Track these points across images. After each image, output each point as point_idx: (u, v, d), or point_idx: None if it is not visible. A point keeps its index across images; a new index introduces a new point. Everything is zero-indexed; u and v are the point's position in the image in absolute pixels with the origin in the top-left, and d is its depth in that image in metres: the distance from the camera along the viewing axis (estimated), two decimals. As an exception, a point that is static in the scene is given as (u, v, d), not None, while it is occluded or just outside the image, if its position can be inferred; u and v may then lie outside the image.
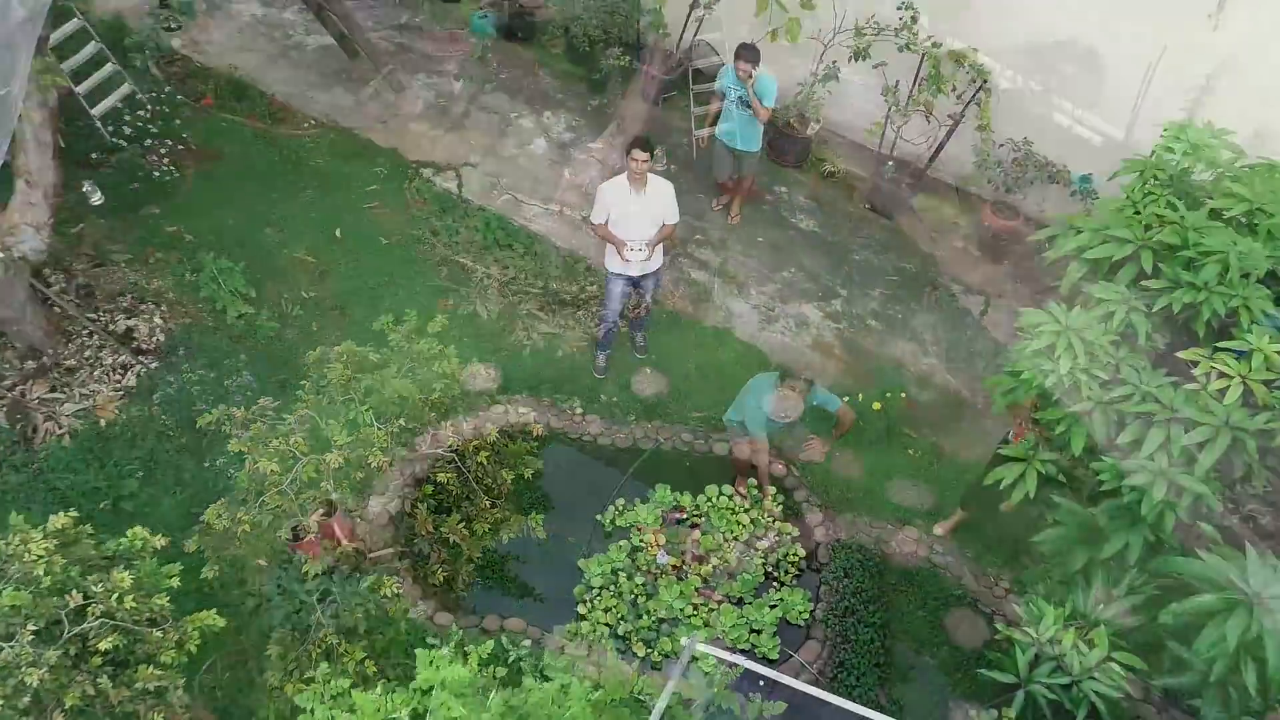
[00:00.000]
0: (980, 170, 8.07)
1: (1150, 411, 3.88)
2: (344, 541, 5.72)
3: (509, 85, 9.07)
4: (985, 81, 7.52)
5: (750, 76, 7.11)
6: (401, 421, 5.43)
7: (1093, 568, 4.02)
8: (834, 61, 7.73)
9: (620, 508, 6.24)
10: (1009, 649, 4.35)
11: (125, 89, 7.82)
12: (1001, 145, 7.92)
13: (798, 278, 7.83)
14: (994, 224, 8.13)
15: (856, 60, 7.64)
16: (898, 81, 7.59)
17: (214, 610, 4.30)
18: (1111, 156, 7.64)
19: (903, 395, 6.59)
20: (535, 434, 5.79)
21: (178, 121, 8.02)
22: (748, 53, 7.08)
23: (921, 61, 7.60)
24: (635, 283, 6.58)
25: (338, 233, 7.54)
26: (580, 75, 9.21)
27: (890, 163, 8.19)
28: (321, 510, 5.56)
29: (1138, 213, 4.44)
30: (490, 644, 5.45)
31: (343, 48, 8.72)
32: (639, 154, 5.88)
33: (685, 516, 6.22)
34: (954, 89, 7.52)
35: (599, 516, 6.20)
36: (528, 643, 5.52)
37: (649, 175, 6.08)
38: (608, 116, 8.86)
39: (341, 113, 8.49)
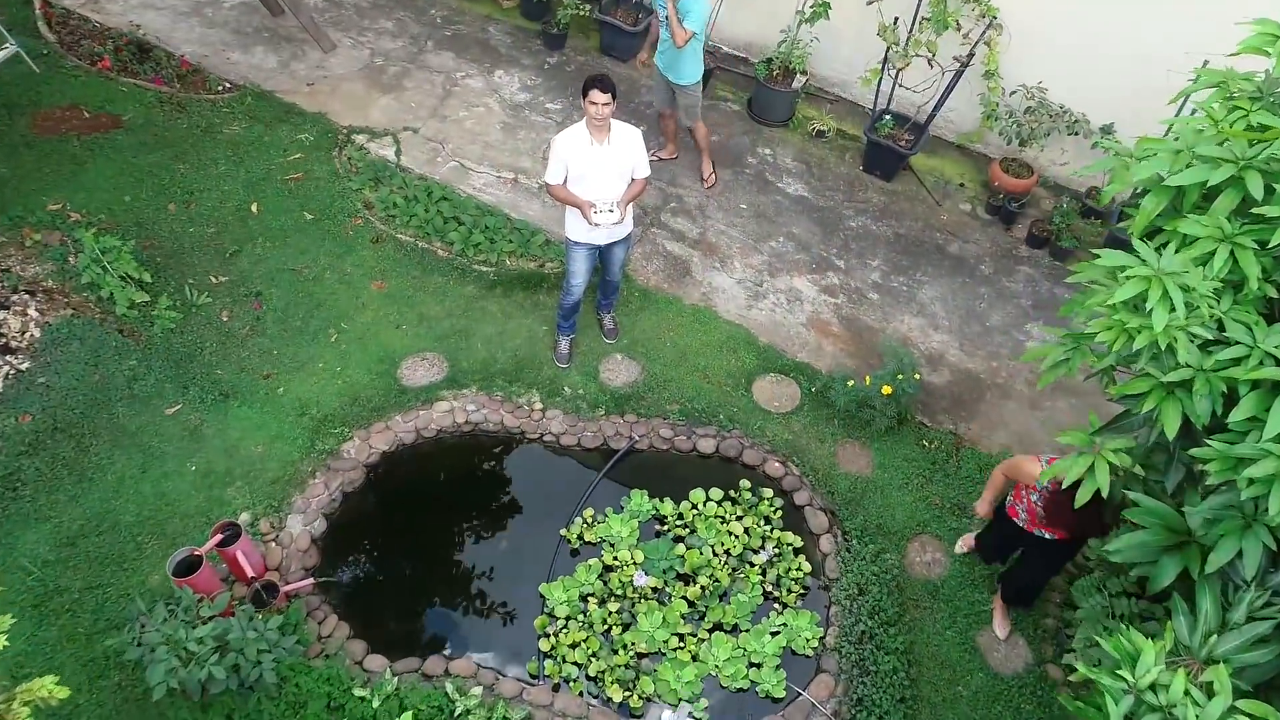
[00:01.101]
0: (988, 123, 7.15)
1: (1272, 379, 2.95)
2: (250, 573, 4.69)
3: (455, 42, 8.04)
4: (994, 18, 6.59)
5: None
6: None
7: (1204, 586, 3.07)
8: (823, -2, 6.77)
9: (589, 520, 5.25)
10: (1082, 689, 3.40)
11: (8, 50, 6.73)
12: (1013, 93, 7.00)
13: (787, 248, 6.87)
14: (1004, 183, 7.22)
15: (848, -5, 6.68)
16: (896, 19, 6.64)
17: (52, 678, 3.25)
18: (1136, 102, 6.81)
19: (916, 376, 5.65)
20: (486, 434, 4.77)
21: (70, 87, 6.94)
22: None
23: (921, -4, 6.65)
24: (602, 252, 5.59)
25: (254, 208, 6.49)
26: (535, 30, 8.21)
27: (887, 116, 7.25)
28: (219, 536, 4.53)
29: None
30: (432, 694, 4.51)
31: (264, 3, 7.65)
32: (598, 95, 4.87)
33: (666, 528, 5.24)
34: (959, 27, 6.58)
35: (563, 531, 5.21)
36: (478, 690, 4.54)
37: (612, 121, 5.08)
38: (567, 75, 7.86)
39: (263, 75, 7.43)
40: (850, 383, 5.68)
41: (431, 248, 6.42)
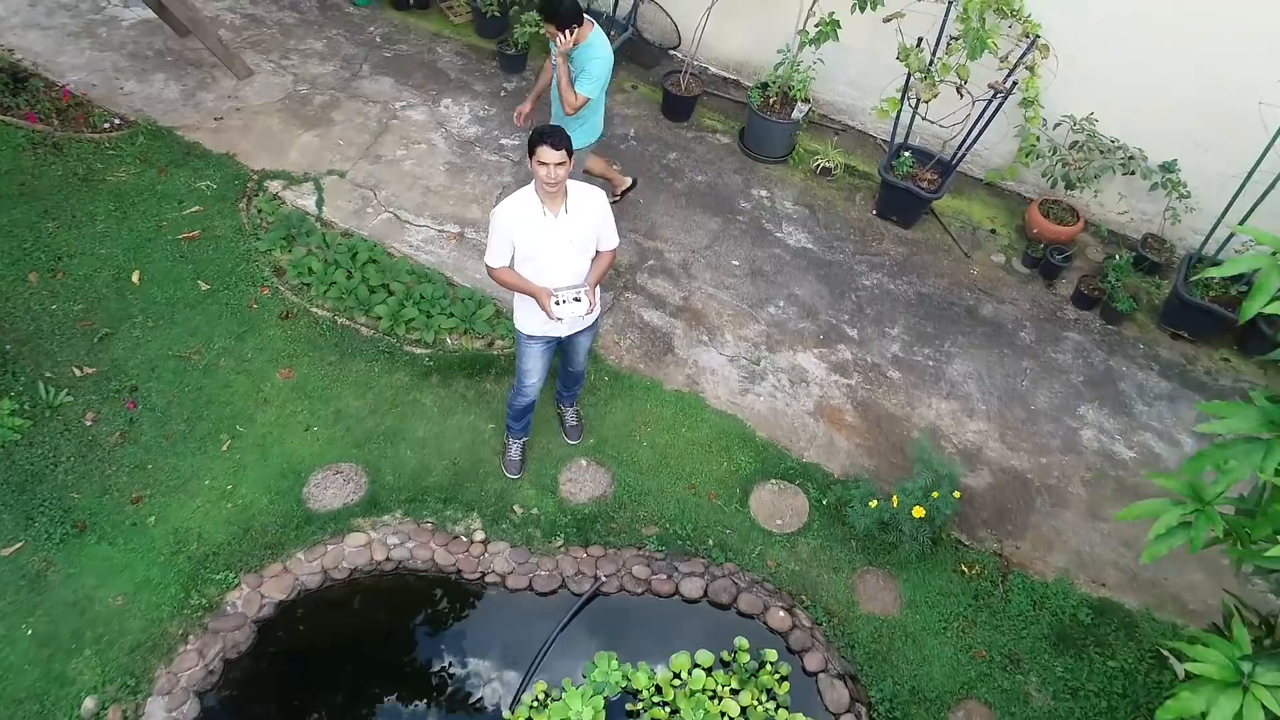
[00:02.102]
0: (1024, 159, 6.00)
1: None
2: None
3: (396, 65, 6.86)
4: (1037, 37, 5.44)
5: (564, 39, 4.60)
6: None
7: None
8: (831, 14, 5.60)
9: (541, 697, 4.07)
10: None
11: None
12: (1057, 125, 5.85)
13: (789, 314, 5.70)
14: (1044, 230, 6.08)
15: (859, 10, 5.52)
16: (920, 39, 5.47)
17: None
18: (1207, 134, 5.68)
19: (956, 495, 4.49)
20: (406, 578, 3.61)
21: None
22: (554, 2, 4.52)
23: (948, 11, 5.50)
24: (563, 343, 4.41)
25: (136, 277, 5.29)
26: (490, 50, 7.04)
27: (906, 153, 6.09)
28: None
29: None
30: None
31: (165, 20, 6.45)
32: (548, 153, 3.68)
33: (641, 706, 4.06)
34: (996, 49, 5.42)
35: (507, 715, 4.02)
36: None
37: (569, 183, 3.90)
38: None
39: (161, 107, 6.23)
40: (873, 503, 4.51)
41: (354, 324, 5.23)
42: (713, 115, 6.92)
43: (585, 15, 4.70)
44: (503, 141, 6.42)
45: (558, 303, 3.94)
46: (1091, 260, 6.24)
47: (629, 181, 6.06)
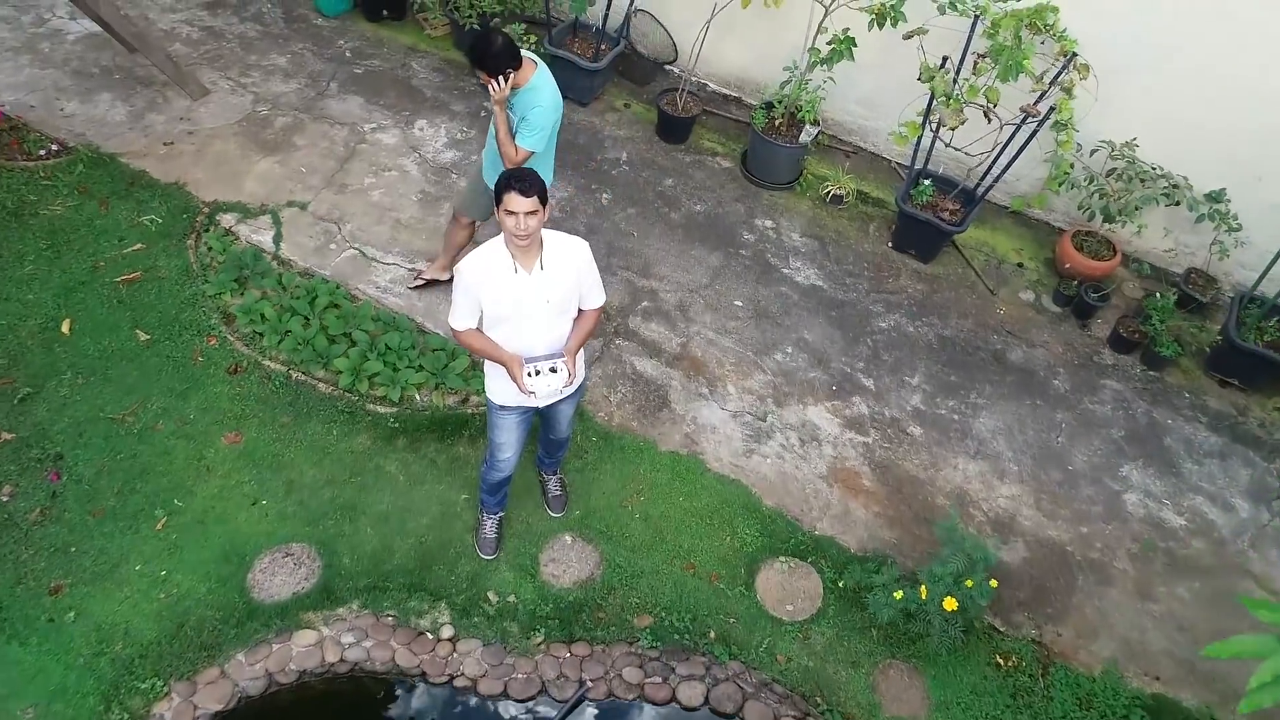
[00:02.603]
0: (1053, 185, 5.45)
1: None
2: None
3: (367, 82, 6.29)
4: (1074, 56, 4.88)
5: (497, 87, 3.90)
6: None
7: None
8: (846, 30, 5.04)
9: (515, 831, 3.51)
10: None
11: None
12: (1094, 151, 5.30)
13: (798, 362, 5.14)
14: (1078, 265, 5.53)
15: (877, 26, 4.96)
16: (945, 58, 4.92)
17: None
18: (1261, 154, 5.13)
19: (993, 584, 3.93)
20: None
21: None
22: (484, 44, 3.84)
23: (974, 27, 4.94)
24: (543, 411, 3.84)
25: (66, 326, 4.72)
26: (469, 65, 6.46)
27: (926, 181, 5.53)
28: None
29: None
30: None
31: (112, 35, 5.88)
32: (516, 201, 3.10)
33: (632, 842, 3.51)
34: (1033, 71, 4.86)
35: None
36: None
37: (546, 234, 3.33)
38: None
39: (105, 131, 5.66)
40: (898, 594, 3.95)
41: (310, 380, 4.65)
42: (712, 136, 6.36)
43: (527, 54, 4.00)
44: (482, 167, 5.85)
45: (531, 374, 3.38)
46: (1129, 298, 5.69)
47: (448, 276, 4.97)
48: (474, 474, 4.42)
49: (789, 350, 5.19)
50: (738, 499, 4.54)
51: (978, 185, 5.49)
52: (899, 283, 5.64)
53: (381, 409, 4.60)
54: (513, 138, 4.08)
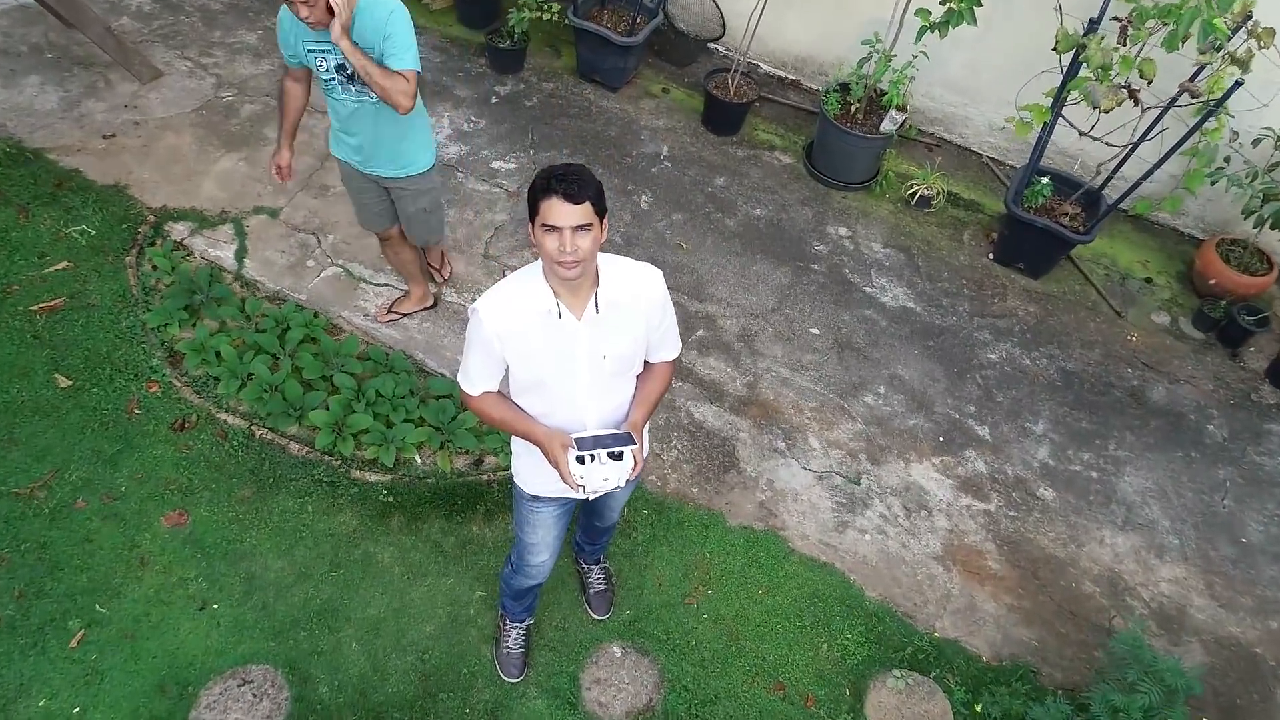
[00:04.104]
0: (1191, 182, 4.40)
1: None
2: None
3: (355, 64, 5.25)
4: (1250, 19, 3.85)
5: (335, 15, 2.81)
6: None
7: None
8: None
9: None
10: None
11: None
12: (1257, 141, 4.28)
13: (894, 405, 4.11)
14: (1224, 281, 4.52)
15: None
16: (1092, 20, 3.86)
17: None
18: None
19: (1204, 725, 2.94)
20: None
21: None
22: None
23: (1117, -15, 3.91)
24: (588, 502, 2.80)
25: (-36, 371, 3.67)
26: (478, 43, 5.45)
27: (1044, 179, 4.50)
28: None
29: None
30: None
31: (44, 6, 4.82)
32: (562, 211, 2.04)
33: None
34: (1224, 35, 3.82)
35: None
36: None
37: (602, 261, 2.28)
38: (526, 114, 5.09)
39: (31, 122, 4.61)
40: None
41: (279, 438, 3.61)
42: (767, 126, 5.33)
43: None
44: (494, 164, 4.81)
45: (582, 458, 2.30)
46: (1285, 320, 4.68)
47: (430, 301, 4.07)
48: (491, 563, 3.39)
49: (881, 391, 4.15)
50: (833, 590, 3.51)
51: (1104, 184, 4.46)
52: (1006, 303, 4.61)
53: (371, 477, 3.55)
54: (383, 67, 2.93)
